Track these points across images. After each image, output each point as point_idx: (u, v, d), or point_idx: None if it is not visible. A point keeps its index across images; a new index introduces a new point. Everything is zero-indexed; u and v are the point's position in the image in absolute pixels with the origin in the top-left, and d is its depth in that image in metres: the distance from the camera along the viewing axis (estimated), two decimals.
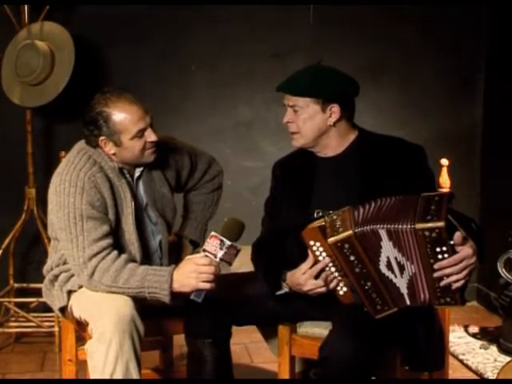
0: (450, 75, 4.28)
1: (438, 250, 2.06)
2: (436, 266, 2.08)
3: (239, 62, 4.08)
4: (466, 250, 2.07)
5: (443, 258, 2.06)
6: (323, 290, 2.25)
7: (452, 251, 2.06)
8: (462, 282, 2.09)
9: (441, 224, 2.02)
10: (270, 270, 2.40)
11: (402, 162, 2.36)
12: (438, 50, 4.22)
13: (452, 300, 2.13)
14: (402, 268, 2.13)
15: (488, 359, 3.43)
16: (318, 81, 2.39)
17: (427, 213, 2.05)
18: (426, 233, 2.04)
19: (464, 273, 2.08)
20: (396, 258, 2.12)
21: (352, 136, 2.45)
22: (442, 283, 2.09)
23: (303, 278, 2.26)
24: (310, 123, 2.38)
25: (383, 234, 2.10)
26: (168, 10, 3.92)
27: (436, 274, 2.09)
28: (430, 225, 2.03)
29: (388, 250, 2.12)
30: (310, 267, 2.24)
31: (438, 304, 2.16)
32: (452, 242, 2.06)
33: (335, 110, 2.37)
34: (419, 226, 2.04)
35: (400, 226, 2.07)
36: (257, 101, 4.12)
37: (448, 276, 2.08)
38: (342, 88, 2.40)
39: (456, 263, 2.07)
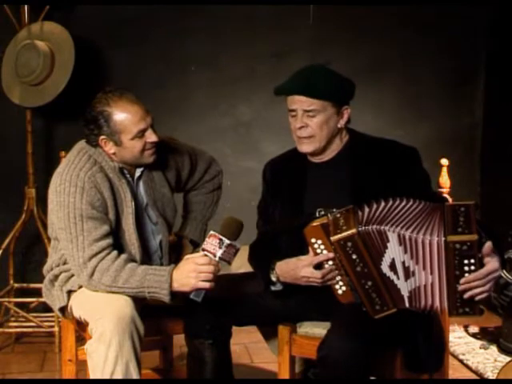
0: (450, 75, 4.28)
1: (465, 262, 2.06)
2: (462, 281, 2.07)
3: (239, 62, 4.08)
4: (492, 264, 2.06)
5: (470, 271, 2.06)
6: (318, 281, 2.24)
7: (480, 263, 2.06)
8: (485, 294, 2.08)
9: (474, 238, 2.03)
10: (263, 267, 2.40)
11: (394, 164, 2.34)
12: (438, 50, 4.23)
13: (471, 310, 2.12)
14: (408, 272, 2.12)
15: (488, 359, 3.43)
16: (335, 83, 2.36)
17: (457, 225, 2.05)
18: (457, 245, 2.04)
19: (488, 286, 2.07)
20: (404, 263, 2.12)
21: (344, 139, 2.43)
22: (466, 295, 2.09)
23: (301, 264, 2.26)
24: (325, 127, 2.34)
25: (392, 237, 2.10)
26: (168, 10, 3.92)
27: (461, 288, 2.08)
28: (462, 238, 2.03)
29: (394, 253, 2.12)
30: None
31: (456, 314, 2.14)
32: (480, 255, 2.06)
33: (347, 111, 2.37)
34: (451, 238, 2.04)
35: (422, 236, 2.07)
36: (257, 101, 4.12)
37: (473, 289, 2.07)
38: (352, 89, 2.40)
39: (483, 277, 2.06)
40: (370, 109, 4.13)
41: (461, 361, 3.46)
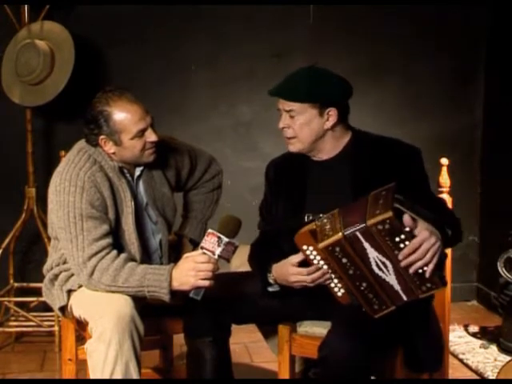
0: (450, 75, 4.28)
1: (397, 239, 2.05)
2: (400, 257, 2.07)
3: (239, 62, 4.08)
4: (422, 234, 2.05)
5: (405, 247, 2.06)
6: (309, 285, 2.26)
7: (412, 237, 2.05)
8: (431, 265, 2.07)
9: (388, 214, 2.02)
10: (261, 268, 2.40)
11: (396, 163, 2.34)
12: (438, 50, 4.22)
13: (433, 285, 2.12)
14: (385, 266, 2.12)
15: (488, 359, 3.43)
16: (315, 85, 2.35)
17: (376, 208, 2.06)
18: (379, 226, 2.03)
19: (428, 255, 2.05)
20: (378, 257, 2.11)
21: (346, 138, 2.42)
22: (411, 271, 2.08)
23: (291, 271, 2.27)
24: (307, 128, 2.35)
25: (359, 236, 2.09)
26: (168, 9, 3.93)
27: (402, 264, 2.08)
28: (379, 218, 2.03)
29: (370, 251, 2.11)
30: (300, 262, 2.25)
31: (422, 292, 2.14)
32: (408, 229, 2.05)
33: (332, 113, 2.34)
34: (370, 221, 2.04)
35: (358, 228, 2.07)
36: (257, 101, 4.12)
37: (414, 263, 2.07)
38: (339, 91, 2.38)
39: (416, 248, 2.05)
40: (370, 109, 4.13)
41: (461, 360, 3.46)
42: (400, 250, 2.07)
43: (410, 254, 2.06)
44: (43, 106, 3.63)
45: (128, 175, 2.53)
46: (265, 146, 4.11)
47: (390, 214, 2.02)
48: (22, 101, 3.64)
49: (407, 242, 2.05)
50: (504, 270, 3.44)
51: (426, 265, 2.07)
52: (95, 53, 3.92)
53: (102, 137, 2.43)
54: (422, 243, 2.05)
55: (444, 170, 2.68)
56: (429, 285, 2.12)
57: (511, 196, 3.94)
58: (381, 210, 2.04)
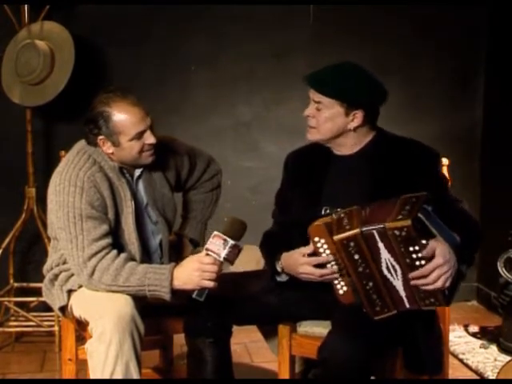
0: (450, 75, 4.28)
1: (411, 249, 2.07)
2: (411, 276, 2.09)
3: (239, 62, 4.08)
4: (437, 259, 2.07)
5: (418, 258, 2.07)
6: (317, 279, 2.26)
7: (426, 250, 2.07)
8: (438, 289, 2.09)
9: (407, 223, 2.02)
10: (271, 256, 2.41)
11: (415, 165, 2.34)
12: (438, 50, 4.23)
13: (436, 301, 2.14)
14: (395, 270, 2.13)
15: (488, 358, 3.43)
16: (347, 84, 2.36)
17: (400, 213, 2.07)
18: (396, 232, 2.05)
19: (439, 282, 2.08)
20: (389, 260, 2.12)
21: (369, 137, 2.43)
22: (421, 289, 2.11)
23: (301, 260, 2.27)
24: (330, 123, 2.36)
25: (376, 235, 2.10)
26: (168, 10, 3.93)
27: (411, 283, 2.10)
28: (397, 224, 2.04)
29: (383, 252, 2.12)
30: (310, 254, 2.25)
31: (424, 305, 2.16)
32: (424, 242, 2.06)
33: (358, 115, 2.35)
34: (388, 225, 2.06)
35: (376, 228, 2.08)
36: (256, 101, 4.12)
37: (423, 285, 2.09)
38: (370, 96, 2.38)
39: (427, 274, 2.08)
40: None
41: (461, 360, 3.46)
42: (412, 259, 2.08)
43: (420, 277, 2.08)
44: (43, 106, 3.63)
45: (128, 175, 2.53)
46: (265, 145, 4.11)
47: (408, 222, 2.03)
48: (21, 101, 3.64)
49: (420, 254, 2.07)
50: (504, 269, 3.44)
51: (435, 288, 2.09)
52: (95, 53, 3.92)
53: (100, 137, 2.43)
54: (434, 269, 2.07)
55: (444, 170, 2.69)
56: (432, 300, 2.13)
57: (511, 196, 3.94)
58: (403, 216, 2.05)
